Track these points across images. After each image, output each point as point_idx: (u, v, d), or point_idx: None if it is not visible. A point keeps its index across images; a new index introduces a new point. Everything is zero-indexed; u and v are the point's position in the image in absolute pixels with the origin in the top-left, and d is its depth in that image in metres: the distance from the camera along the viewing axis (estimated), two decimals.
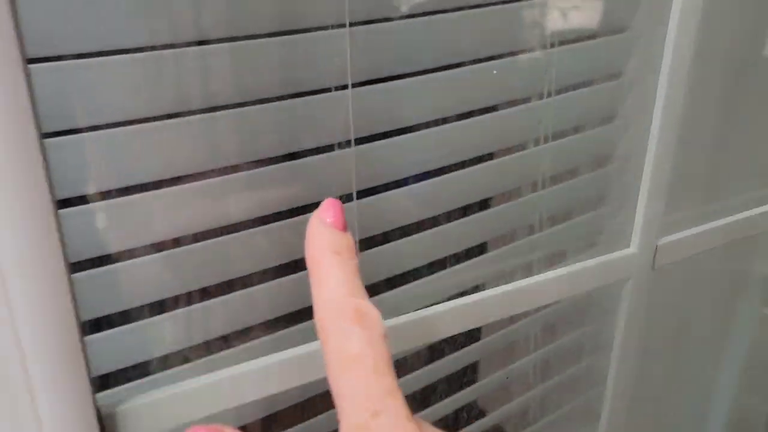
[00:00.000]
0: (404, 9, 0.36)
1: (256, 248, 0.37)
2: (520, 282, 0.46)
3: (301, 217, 0.37)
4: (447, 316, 0.43)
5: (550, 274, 0.48)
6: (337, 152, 0.38)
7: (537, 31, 0.43)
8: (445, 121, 0.41)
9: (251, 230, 0.36)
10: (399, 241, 0.42)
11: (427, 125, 0.40)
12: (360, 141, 0.38)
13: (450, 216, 0.45)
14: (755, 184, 0.65)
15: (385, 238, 0.42)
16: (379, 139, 0.39)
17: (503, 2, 0.40)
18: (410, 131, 0.39)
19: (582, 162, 0.51)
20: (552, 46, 0.43)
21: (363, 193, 0.39)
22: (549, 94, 0.44)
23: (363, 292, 0.25)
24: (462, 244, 0.46)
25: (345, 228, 0.27)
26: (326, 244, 0.26)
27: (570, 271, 0.49)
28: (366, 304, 0.24)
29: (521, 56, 0.43)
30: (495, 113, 0.43)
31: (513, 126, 0.44)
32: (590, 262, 0.50)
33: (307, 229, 0.27)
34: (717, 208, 0.60)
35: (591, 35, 0.45)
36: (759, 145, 0.66)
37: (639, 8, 0.46)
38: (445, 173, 0.42)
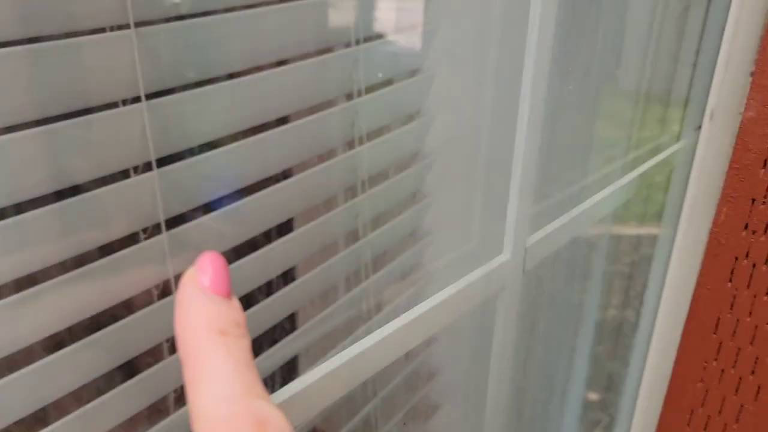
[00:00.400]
0: (200, 6, 0.31)
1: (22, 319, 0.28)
2: (405, 317, 0.43)
3: (97, 264, 0.30)
4: (339, 373, 0.38)
5: (433, 301, 0.44)
6: (135, 178, 0.31)
7: (340, 30, 0.40)
8: (259, 129, 0.37)
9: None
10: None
11: (244, 135, 0.36)
12: (162, 162, 0.32)
13: (268, 236, 0.40)
14: (592, 168, 0.64)
15: None
16: (186, 158, 0.33)
17: None
18: (221, 145, 0.34)
19: (392, 163, 0.50)
20: (357, 42, 0.41)
21: (172, 223, 0.33)
22: (359, 94, 0.42)
23: (261, 388, 0.19)
24: (283, 265, 0.42)
25: (230, 292, 0.20)
26: (206, 320, 0.19)
27: (451, 293, 0.45)
28: (267, 407, 0.18)
29: (325, 56, 0.40)
30: (310, 117, 0.40)
31: (328, 129, 0.42)
32: (470, 277, 0.46)
33: (176, 299, 0.19)
34: (566, 198, 0.59)
35: (392, 32, 0.44)
36: (588, 128, 0.64)
37: (431, 5, 0.46)
38: (264, 187, 0.38)
